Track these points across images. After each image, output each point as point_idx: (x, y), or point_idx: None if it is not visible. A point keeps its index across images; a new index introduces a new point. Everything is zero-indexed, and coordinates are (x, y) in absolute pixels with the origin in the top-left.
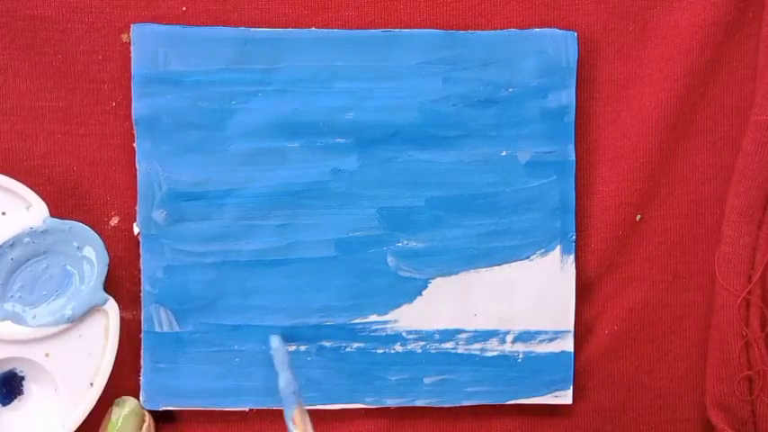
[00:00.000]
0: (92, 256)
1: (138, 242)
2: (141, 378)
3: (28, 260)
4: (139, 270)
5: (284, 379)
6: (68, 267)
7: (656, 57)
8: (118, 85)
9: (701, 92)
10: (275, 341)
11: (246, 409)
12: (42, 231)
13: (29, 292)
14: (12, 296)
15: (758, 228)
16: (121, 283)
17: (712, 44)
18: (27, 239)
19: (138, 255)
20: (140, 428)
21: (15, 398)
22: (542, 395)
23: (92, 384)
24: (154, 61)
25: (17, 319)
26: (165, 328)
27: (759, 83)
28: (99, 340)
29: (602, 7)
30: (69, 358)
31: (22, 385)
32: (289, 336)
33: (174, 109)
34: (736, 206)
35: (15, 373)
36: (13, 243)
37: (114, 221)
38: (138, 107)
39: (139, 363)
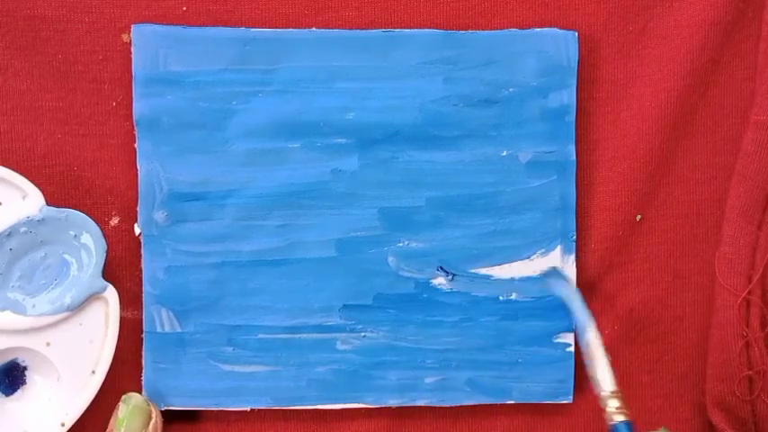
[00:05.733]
0: (89, 243)
1: (139, 242)
2: (143, 378)
3: (26, 250)
4: (140, 270)
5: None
6: (66, 256)
7: (656, 57)
8: (118, 85)
9: (701, 92)
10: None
11: (247, 409)
12: (39, 220)
13: (28, 281)
14: (12, 286)
15: (758, 228)
16: (122, 283)
17: (712, 44)
18: (24, 229)
19: (139, 255)
20: (147, 425)
21: (18, 388)
22: (542, 395)
23: (94, 372)
24: (154, 61)
25: (17, 308)
26: (167, 329)
27: (759, 83)
28: (100, 328)
29: (602, 7)
30: (70, 347)
31: (24, 375)
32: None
33: (175, 109)
34: (736, 206)
35: (17, 363)
36: (10, 233)
37: (115, 222)
38: (138, 108)
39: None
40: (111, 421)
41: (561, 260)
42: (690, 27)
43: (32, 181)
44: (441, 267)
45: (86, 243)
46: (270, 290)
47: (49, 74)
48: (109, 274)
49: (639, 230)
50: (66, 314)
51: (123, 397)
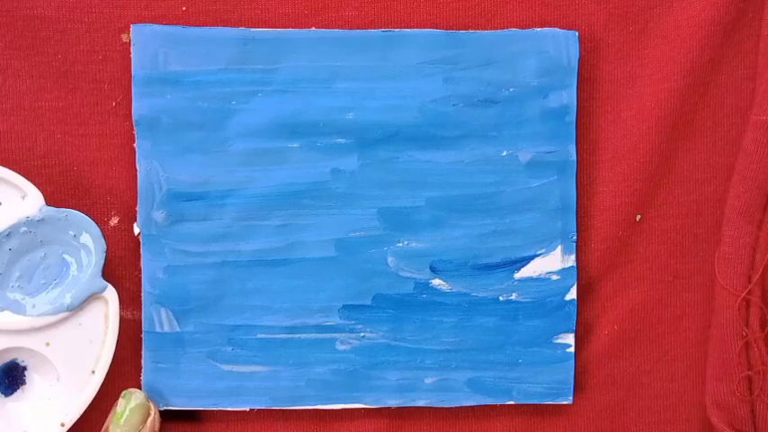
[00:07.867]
0: (89, 243)
1: (139, 242)
2: (142, 378)
3: (26, 250)
4: (140, 270)
5: None
6: (66, 256)
7: (656, 57)
8: (118, 85)
9: (701, 92)
10: None
11: (246, 409)
12: (39, 220)
13: (27, 281)
14: (12, 286)
15: (758, 228)
16: (121, 283)
17: (712, 44)
18: (24, 229)
19: (139, 255)
20: (145, 420)
21: (18, 388)
22: (542, 395)
23: (93, 372)
24: (154, 61)
25: (16, 308)
26: (166, 329)
27: (759, 83)
28: (99, 327)
29: (603, 7)
30: (70, 347)
31: (24, 375)
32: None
33: (175, 109)
34: (736, 206)
35: (17, 364)
36: (9, 233)
37: (114, 221)
38: (138, 107)
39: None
40: (110, 416)
41: (561, 260)
42: (690, 27)
43: (32, 181)
44: (431, 268)
45: (86, 243)
46: (269, 290)
47: (48, 74)
48: (108, 273)
49: (639, 230)
50: (65, 314)
51: (123, 392)
